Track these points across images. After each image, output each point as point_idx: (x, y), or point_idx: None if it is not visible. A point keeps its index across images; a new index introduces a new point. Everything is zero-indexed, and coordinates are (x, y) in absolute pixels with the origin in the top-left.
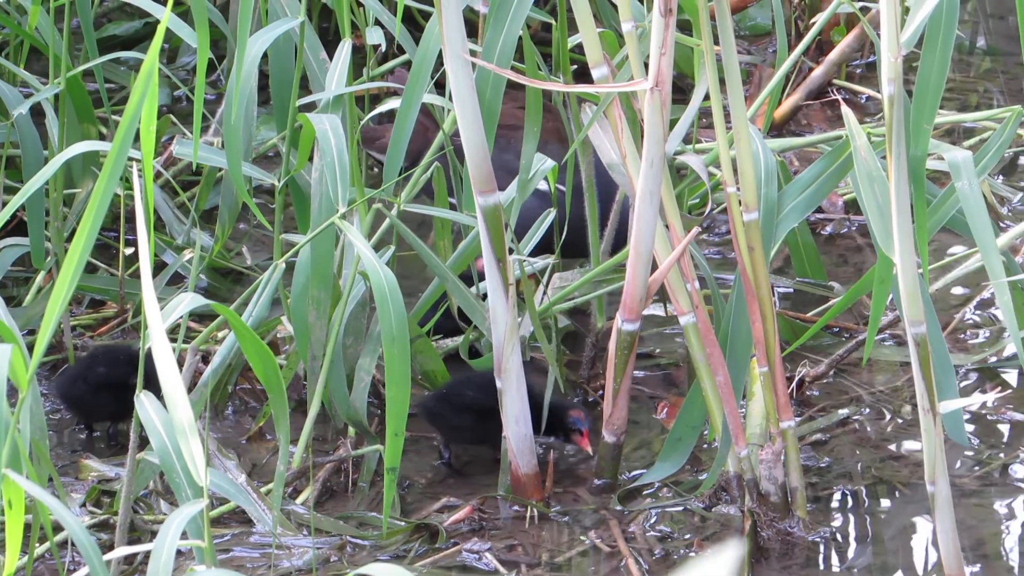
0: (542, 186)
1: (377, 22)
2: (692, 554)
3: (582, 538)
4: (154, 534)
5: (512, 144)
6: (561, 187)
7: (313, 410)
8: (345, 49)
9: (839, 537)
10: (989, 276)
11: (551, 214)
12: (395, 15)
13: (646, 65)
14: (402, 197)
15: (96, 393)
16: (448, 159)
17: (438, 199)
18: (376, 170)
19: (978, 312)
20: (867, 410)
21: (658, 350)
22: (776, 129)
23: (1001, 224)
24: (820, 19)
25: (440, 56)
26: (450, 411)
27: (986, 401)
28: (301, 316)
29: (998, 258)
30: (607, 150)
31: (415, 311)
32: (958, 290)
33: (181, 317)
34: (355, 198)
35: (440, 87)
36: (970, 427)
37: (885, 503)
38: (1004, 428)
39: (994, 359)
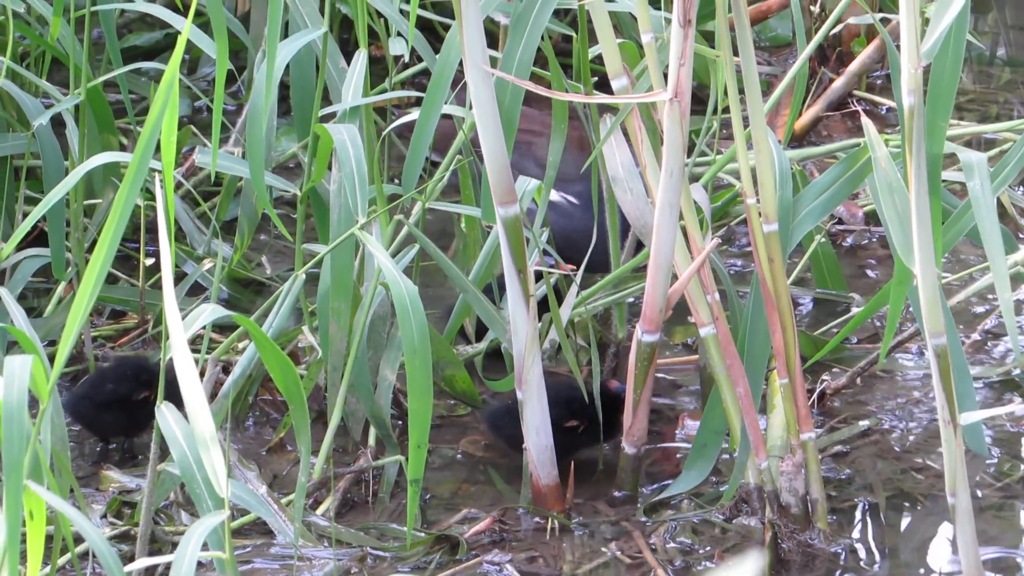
0: (555, 197)
1: (399, 33)
2: (713, 566)
3: (603, 550)
4: (175, 545)
5: (532, 150)
6: (572, 199)
7: (334, 421)
8: (361, 59)
9: (860, 549)
10: (992, 271)
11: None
12: (414, 25)
13: (666, 76)
14: (426, 195)
15: (103, 411)
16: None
17: (465, 200)
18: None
19: (1000, 323)
20: (888, 422)
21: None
22: (797, 140)
23: (1021, 235)
24: (827, 23)
25: (459, 66)
26: (513, 423)
27: (1007, 412)
28: (327, 325)
29: (1003, 257)
30: (615, 164)
31: (447, 332)
32: (980, 302)
33: (203, 328)
34: (375, 208)
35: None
36: (991, 439)
37: (906, 515)
38: None
39: (1017, 371)
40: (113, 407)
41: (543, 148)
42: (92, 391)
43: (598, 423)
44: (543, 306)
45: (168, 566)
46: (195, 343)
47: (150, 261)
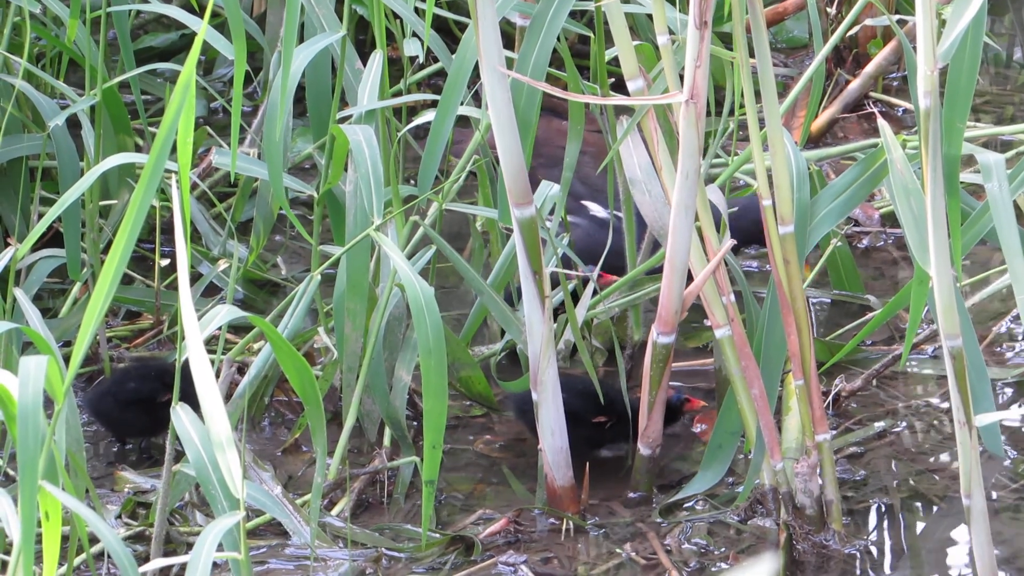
0: (601, 214)
1: (414, 34)
2: (727, 567)
3: (618, 551)
4: (190, 546)
5: (578, 167)
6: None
7: (349, 422)
8: (377, 61)
9: (874, 550)
10: (1011, 278)
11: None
12: (430, 26)
13: (682, 77)
14: (442, 196)
15: (125, 409)
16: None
17: (483, 202)
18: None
19: (1016, 324)
20: (904, 423)
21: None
22: (813, 142)
23: None
24: (843, 24)
25: (475, 67)
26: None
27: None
28: (343, 326)
29: (1021, 259)
30: (632, 165)
31: (464, 333)
32: (996, 303)
33: (218, 328)
34: (391, 209)
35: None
36: (1007, 440)
37: (921, 516)
38: None
39: None
40: (135, 407)
41: (588, 166)
42: (115, 388)
43: (627, 419)
44: (559, 307)
45: (183, 567)
46: (210, 344)
47: (165, 262)
